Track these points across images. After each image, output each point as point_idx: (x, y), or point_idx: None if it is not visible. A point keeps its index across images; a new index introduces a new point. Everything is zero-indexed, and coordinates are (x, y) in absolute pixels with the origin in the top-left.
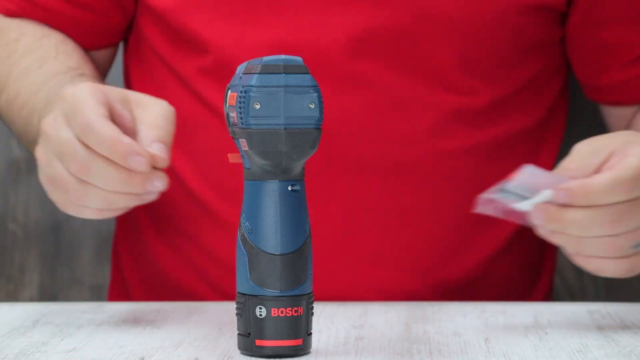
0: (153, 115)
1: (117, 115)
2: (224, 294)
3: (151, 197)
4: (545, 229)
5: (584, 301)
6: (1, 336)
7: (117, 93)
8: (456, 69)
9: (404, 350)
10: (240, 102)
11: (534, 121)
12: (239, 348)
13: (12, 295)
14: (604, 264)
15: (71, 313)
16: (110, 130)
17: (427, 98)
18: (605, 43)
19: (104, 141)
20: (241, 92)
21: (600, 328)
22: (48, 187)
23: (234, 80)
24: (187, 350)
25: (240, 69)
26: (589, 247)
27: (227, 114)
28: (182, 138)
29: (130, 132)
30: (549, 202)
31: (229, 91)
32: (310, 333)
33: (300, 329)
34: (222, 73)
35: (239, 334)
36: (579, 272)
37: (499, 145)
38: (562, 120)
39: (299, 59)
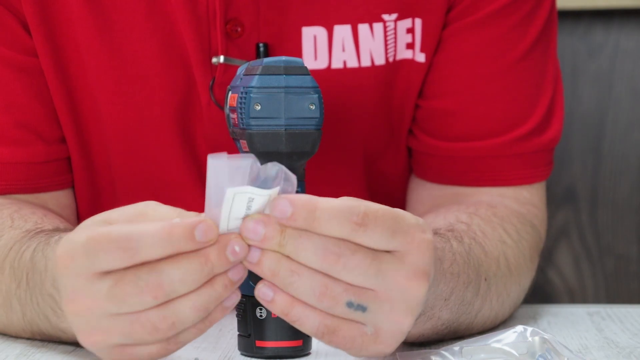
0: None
1: None
2: None
3: (238, 276)
4: (257, 262)
5: (584, 303)
6: (1, 336)
7: (98, 221)
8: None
9: (404, 349)
10: (240, 103)
11: None
12: (240, 349)
13: None
14: (305, 315)
15: None
16: (153, 225)
17: None
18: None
19: (156, 238)
20: (242, 93)
21: (600, 330)
22: (125, 350)
23: (235, 82)
24: (187, 350)
25: (240, 70)
26: (300, 282)
27: (228, 115)
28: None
29: None
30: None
31: (230, 92)
32: None
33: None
34: None
35: (239, 334)
36: (579, 273)
37: None
38: None
39: (299, 60)
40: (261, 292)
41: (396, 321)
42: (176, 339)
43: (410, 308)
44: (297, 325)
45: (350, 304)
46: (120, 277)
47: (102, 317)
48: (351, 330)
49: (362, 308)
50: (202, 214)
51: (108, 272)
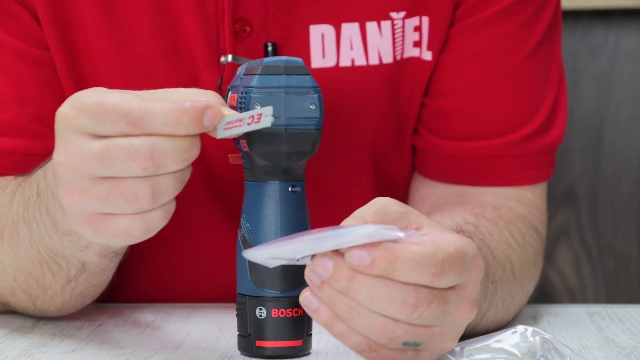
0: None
1: None
2: (224, 295)
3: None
4: (319, 285)
5: (584, 303)
6: (1, 336)
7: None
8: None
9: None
10: (240, 103)
11: None
12: (239, 349)
13: None
14: (349, 332)
15: (71, 314)
16: (166, 104)
17: None
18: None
19: (167, 118)
20: (242, 93)
21: (600, 329)
22: (97, 221)
23: (235, 81)
24: (187, 351)
25: (240, 69)
26: (359, 319)
27: None
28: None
29: None
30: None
31: (230, 92)
32: (311, 334)
33: (301, 329)
34: None
35: (239, 334)
36: (579, 273)
37: None
38: None
39: (299, 59)
40: (306, 299)
41: (442, 347)
42: (149, 215)
43: (457, 334)
44: (338, 339)
45: (406, 343)
46: (113, 140)
47: (85, 177)
48: (393, 352)
49: (417, 344)
50: None
51: (104, 136)
